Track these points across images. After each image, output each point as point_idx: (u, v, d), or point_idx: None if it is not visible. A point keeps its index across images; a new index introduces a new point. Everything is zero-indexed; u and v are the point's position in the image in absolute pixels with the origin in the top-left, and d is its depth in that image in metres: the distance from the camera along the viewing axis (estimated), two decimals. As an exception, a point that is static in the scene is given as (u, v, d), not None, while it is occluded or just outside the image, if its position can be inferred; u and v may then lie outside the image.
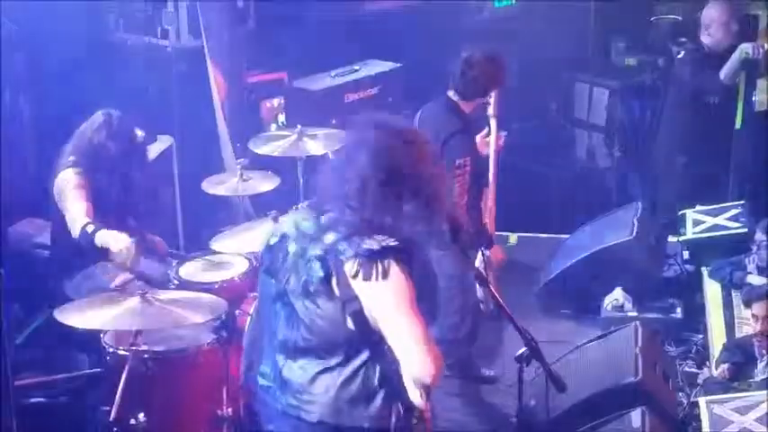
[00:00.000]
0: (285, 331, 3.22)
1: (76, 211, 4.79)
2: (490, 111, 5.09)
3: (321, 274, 3.08)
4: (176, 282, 4.85)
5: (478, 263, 4.62)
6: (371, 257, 3.02)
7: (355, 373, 3.16)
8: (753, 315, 4.86)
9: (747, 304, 5.02)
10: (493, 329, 5.48)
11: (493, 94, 5.06)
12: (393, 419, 3.18)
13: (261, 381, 3.35)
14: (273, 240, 3.27)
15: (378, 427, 3.18)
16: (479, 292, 4.64)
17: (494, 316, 4.77)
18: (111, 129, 5.00)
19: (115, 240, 4.69)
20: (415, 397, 3.16)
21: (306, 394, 3.20)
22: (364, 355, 3.14)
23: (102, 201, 4.91)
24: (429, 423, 3.32)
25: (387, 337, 3.06)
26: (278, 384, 3.28)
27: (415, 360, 3.04)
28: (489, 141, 5.11)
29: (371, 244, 3.03)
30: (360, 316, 3.07)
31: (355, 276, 3.03)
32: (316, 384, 3.19)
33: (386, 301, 3.04)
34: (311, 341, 3.17)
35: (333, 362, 3.16)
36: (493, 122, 5.09)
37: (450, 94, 5.07)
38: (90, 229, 4.71)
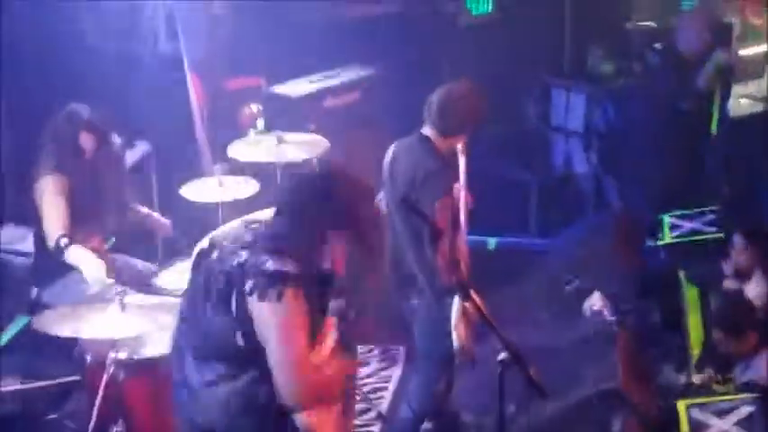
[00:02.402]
0: (190, 335, 3.29)
1: (52, 221, 4.75)
2: (459, 146, 4.71)
3: (223, 286, 3.15)
4: (157, 288, 4.83)
5: (454, 315, 4.43)
6: (270, 278, 3.09)
7: (245, 388, 3.21)
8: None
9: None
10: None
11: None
12: None
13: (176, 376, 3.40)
14: (204, 244, 3.33)
15: None
16: (456, 341, 4.51)
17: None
18: (82, 121, 4.92)
19: (86, 263, 4.67)
20: (300, 420, 3.21)
21: (202, 398, 3.26)
22: (253, 373, 3.19)
23: (82, 200, 4.87)
24: None
25: (268, 358, 3.13)
26: (185, 385, 3.32)
27: (283, 386, 3.14)
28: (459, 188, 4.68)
29: (273, 265, 3.11)
30: (250, 335, 3.14)
31: (251, 294, 3.10)
32: (209, 391, 3.24)
33: (272, 322, 3.11)
34: (207, 349, 3.24)
35: (223, 373, 3.22)
36: (462, 160, 4.72)
37: (425, 130, 4.67)
38: (63, 243, 4.67)
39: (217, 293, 3.16)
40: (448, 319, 4.51)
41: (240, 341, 3.15)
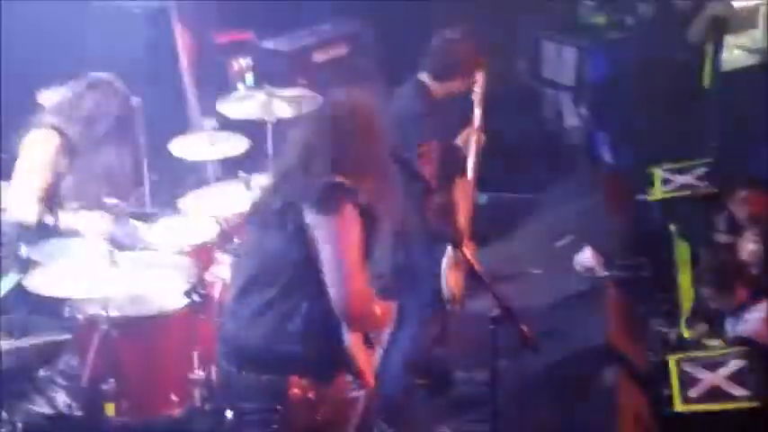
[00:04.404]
0: (244, 265, 3.46)
1: (34, 187, 4.60)
2: (475, 96, 4.86)
3: (279, 207, 3.30)
4: (145, 244, 4.80)
5: (445, 261, 4.51)
6: (328, 191, 3.24)
7: (292, 311, 3.32)
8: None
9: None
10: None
11: (479, 79, 4.84)
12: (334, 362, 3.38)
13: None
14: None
15: (307, 368, 3.36)
16: (445, 289, 4.60)
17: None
18: (111, 97, 4.80)
19: (85, 225, 4.64)
20: (349, 339, 3.35)
21: (250, 328, 3.38)
22: (306, 291, 3.30)
23: (79, 168, 4.80)
24: (368, 383, 3.51)
25: (323, 269, 3.25)
26: (232, 318, 3.47)
27: (338, 293, 3.25)
28: (470, 134, 4.87)
29: (329, 179, 3.26)
30: (307, 249, 3.26)
31: (310, 207, 3.23)
32: (257, 320, 3.36)
33: (331, 234, 3.23)
34: (258, 274, 3.36)
35: (274, 295, 3.32)
36: (477, 111, 4.87)
37: (421, 75, 4.81)
38: (50, 221, 4.60)
39: (273, 216, 3.30)
40: (439, 264, 4.54)
41: (297, 257, 3.26)
